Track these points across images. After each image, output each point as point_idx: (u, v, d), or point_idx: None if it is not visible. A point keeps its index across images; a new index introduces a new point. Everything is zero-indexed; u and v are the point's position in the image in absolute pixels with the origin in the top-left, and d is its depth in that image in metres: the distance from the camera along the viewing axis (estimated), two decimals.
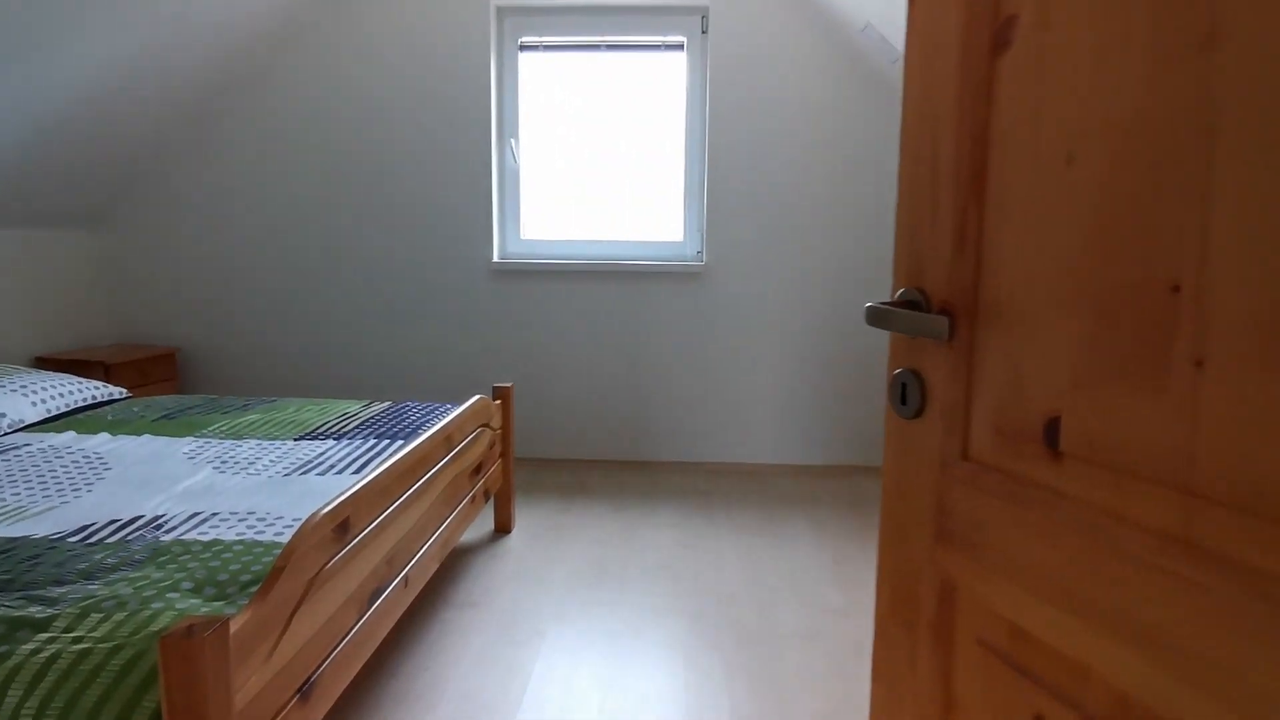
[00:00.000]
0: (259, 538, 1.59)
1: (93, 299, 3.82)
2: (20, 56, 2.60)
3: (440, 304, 3.80)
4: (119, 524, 1.65)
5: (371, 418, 2.61)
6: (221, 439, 2.34)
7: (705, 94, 3.63)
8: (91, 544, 1.55)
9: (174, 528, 1.63)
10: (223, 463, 2.10)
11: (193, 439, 2.33)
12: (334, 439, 2.35)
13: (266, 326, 3.88)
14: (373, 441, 2.32)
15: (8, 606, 1.27)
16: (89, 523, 1.66)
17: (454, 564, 2.67)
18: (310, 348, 3.87)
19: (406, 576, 1.94)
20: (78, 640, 1.19)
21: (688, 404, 3.80)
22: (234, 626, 1.19)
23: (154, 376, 3.68)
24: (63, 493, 1.86)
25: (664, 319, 3.75)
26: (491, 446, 2.78)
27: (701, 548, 2.84)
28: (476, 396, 2.63)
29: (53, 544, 1.54)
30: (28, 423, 2.58)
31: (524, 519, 3.11)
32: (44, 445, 2.26)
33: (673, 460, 3.86)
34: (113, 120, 3.25)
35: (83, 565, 1.43)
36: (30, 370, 2.87)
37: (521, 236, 3.84)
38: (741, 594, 2.48)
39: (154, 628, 1.21)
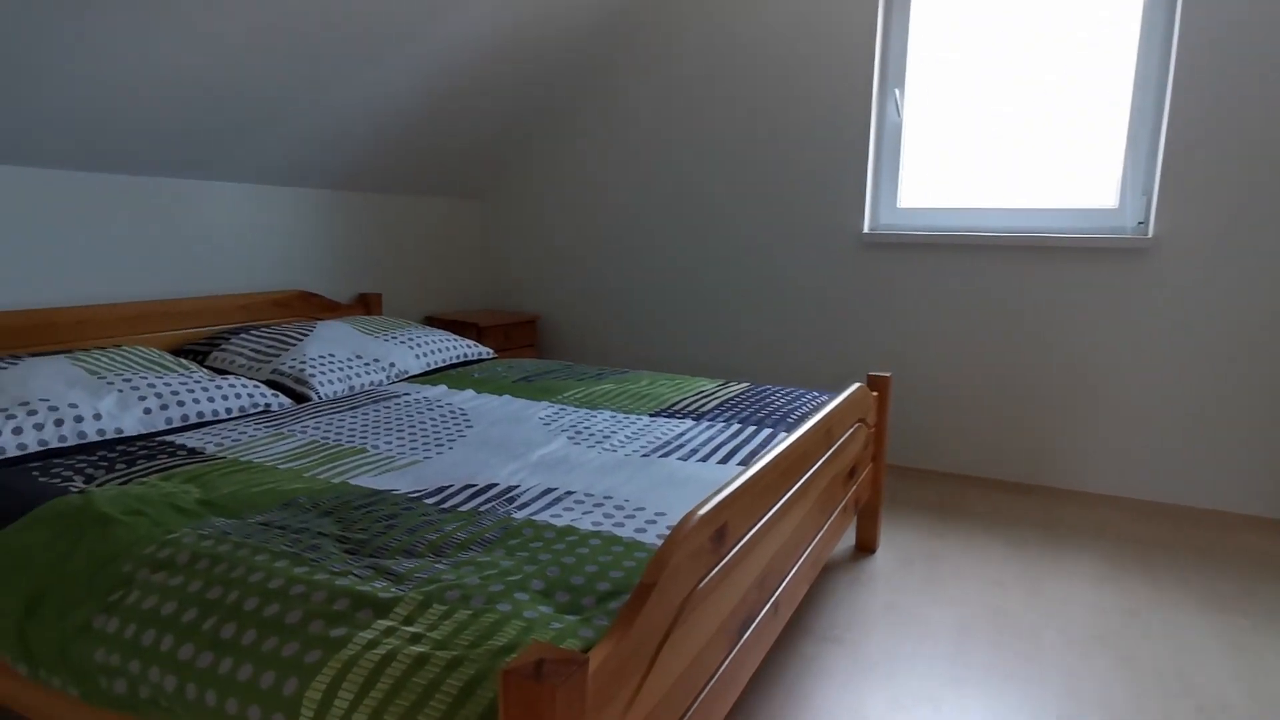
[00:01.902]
0: (618, 531, 1.28)
1: (475, 265, 4.06)
2: (418, 35, 2.70)
3: (800, 279, 3.38)
4: (474, 490, 1.47)
5: (730, 399, 2.27)
6: (576, 407, 2.16)
7: (1175, 8, 2.71)
8: (445, 510, 1.36)
9: (526, 504, 1.40)
10: (577, 433, 1.88)
11: (548, 404, 2.18)
12: (692, 419, 2.04)
13: (621, 298, 3.80)
14: (736, 426, 1.96)
15: (356, 576, 1.09)
16: (446, 484, 1.50)
17: (813, 585, 2.23)
18: (663, 321, 3.71)
19: (777, 601, 1.53)
20: (416, 639, 0.94)
21: (1110, 420, 2.92)
22: (593, 662, 0.86)
23: (517, 341, 3.80)
24: (427, 447, 1.76)
25: (1084, 308, 2.92)
26: (865, 446, 2.28)
27: (1152, 620, 2.05)
28: (856, 385, 2.15)
29: (410, 503, 1.39)
30: (411, 374, 2.67)
31: (890, 539, 2.56)
32: (419, 396, 2.26)
33: (1081, 490, 3.01)
34: (494, 97, 3.34)
35: (433, 536, 1.23)
36: (419, 326, 3.03)
37: (899, 204, 3.25)
38: (1247, 711, 1.68)
39: (498, 641, 0.93)
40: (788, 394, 2.35)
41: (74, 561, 1.18)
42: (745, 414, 2.09)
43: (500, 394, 2.31)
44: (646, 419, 2.03)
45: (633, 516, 1.34)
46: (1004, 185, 3.07)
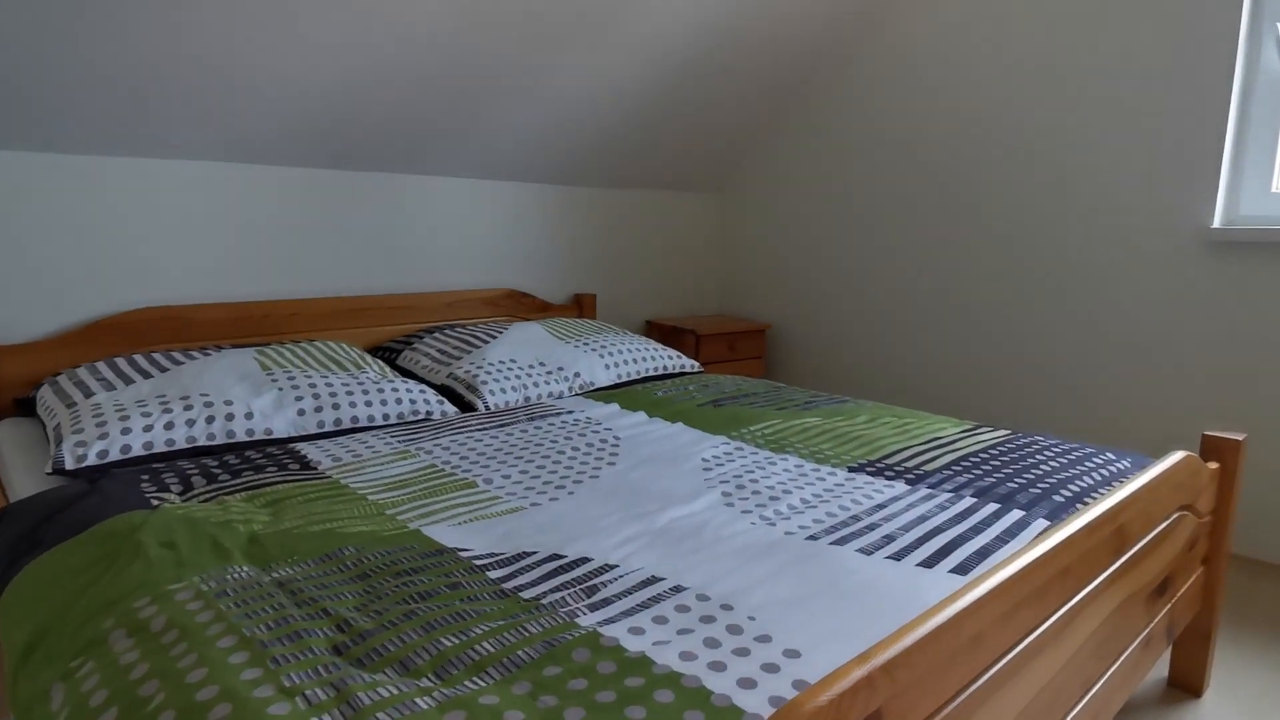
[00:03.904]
0: (709, 680, 0.82)
1: (704, 267, 3.71)
2: (636, 18, 2.40)
3: (1104, 295, 2.54)
4: (558, 565, 1.09)
5: (976, 453, 1.64)
6: (758, 447, 1.69)
7: None
8: (503, 592, 1.01)
9: (609, 600, 0.99)
10: (739, 487, 1.42)
11: (725, 439, 1.74)
12: (907, 481, 1.47)
13: (863, 311, 3.20)
14: (969, 500, 1.36)
15: (305, 700, 0.77)
16: (530, 550, 1.15)
17: None
18: (912, 342, 3.06)
19: None
20: None
21: None
22: None
23: (742, 351, 3.38)
24: (546, 487, 1.42)
25: None
26: (1192, 546, 1.52)
27: None
28: (1178, 454, 1.42)
29: (468, 574, 1.05)
30: (597, 385, 2.39)
31: (1228, 675, 1.73)
32: (582, 416, 1.95)
33: None
34: (724, 86, 2.94)
35: (450, 642, 0.88)
36: (620, 332, 2.75)
37: (1275, 188, 2.29)
38: None
39: None
40: (1065, 452, 1.66)
41: (83, 601, 1.01)
42: (990, 481, 1.46)
43: (674, 421, 1.91)
44: (842, 474, 1.51)
45: (746, 651, 0.87)
46: None
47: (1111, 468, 1.58)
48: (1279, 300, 2.21)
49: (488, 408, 2.10)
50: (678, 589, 1.02)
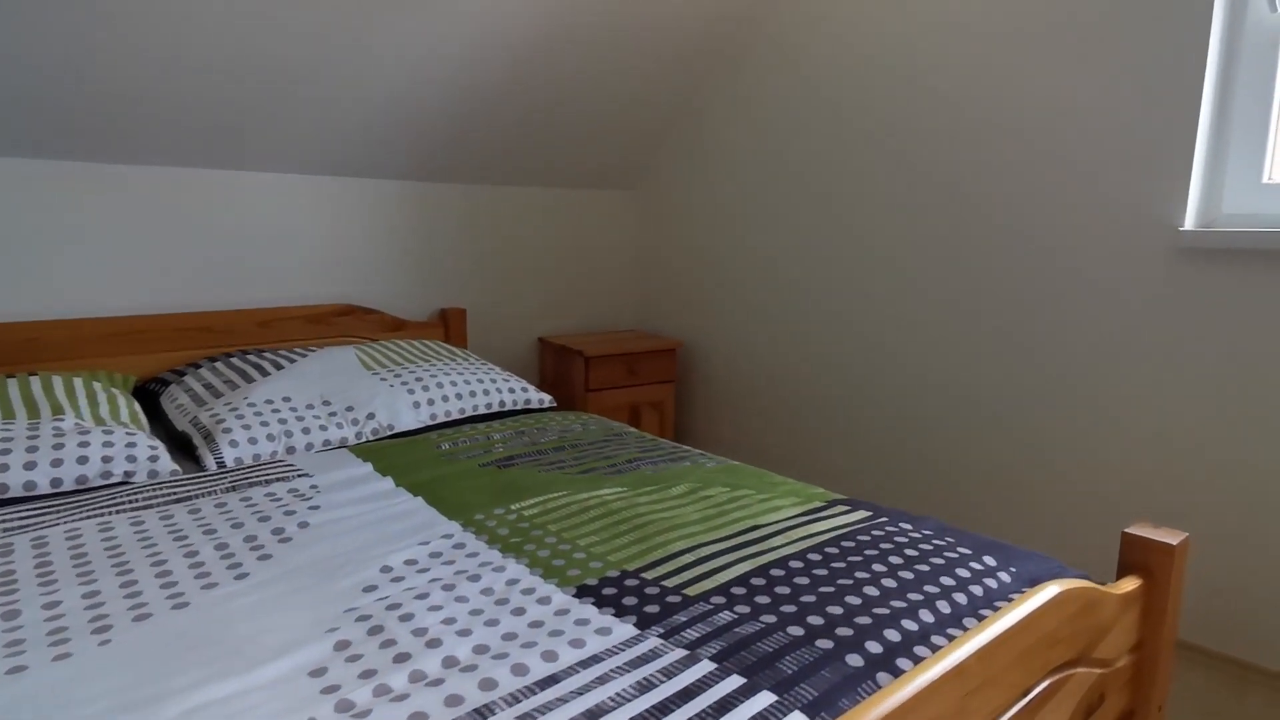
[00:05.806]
0: None
1: (618, 275, 3.22)
2: None
3: (1047, 320, 2.01)
4: None
5: (790, 559, 1.14)
6: (489, 544, 1.20)
7: None
8: None
9: None
10: (374, 632, 0.93)
11: (453, 530, 1.25)
12: (639, 620, 0.97)
13: (781, 332, 2.69)
14: (702, 669, 0.86)
15: None
16: None
17: None
18: (829, 367, 2.54)
19: None
20: None
21: None
22: None
23: (647, 375, 2.88)
24: (73, 637, 0.94)
25: None
26: (1091, 713, 1.00)
27: None
28: (1051, 589, 0.90)
29: None
30: (399, 429, 1.91)
31: None
32: (306, 484, 1.47)
33: None
34: (638, 76, 2.45)
35: None
36: (464, 358, 2.27)
37: (1266, 178, 1.75)
38: None
39: None
40: (924, 555, 1.14)
41: None
42: (766, 621, 0.96)
43: (418, 493, 1.43)
44: (559, 601, 1.01)
45: None
46: None
47: (978, 586, 1.07)
48: (1272, 324, 1.67)
49: (221, 464, 1.63)
50: None
